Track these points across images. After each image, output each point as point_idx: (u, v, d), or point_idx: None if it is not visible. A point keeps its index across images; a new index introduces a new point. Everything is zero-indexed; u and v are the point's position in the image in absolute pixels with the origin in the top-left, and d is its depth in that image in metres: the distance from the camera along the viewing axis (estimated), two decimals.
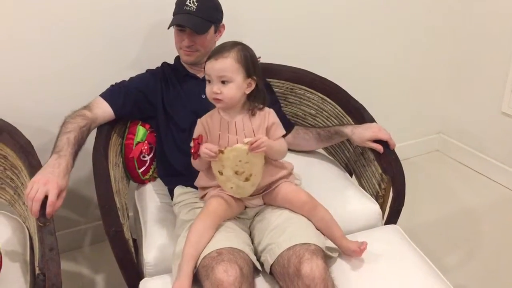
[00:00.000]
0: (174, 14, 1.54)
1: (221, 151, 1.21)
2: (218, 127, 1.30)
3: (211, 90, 1.26)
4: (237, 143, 1.24)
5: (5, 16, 1.64)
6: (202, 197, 1.40)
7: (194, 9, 1.49)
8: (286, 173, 1.38)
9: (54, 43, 1.73)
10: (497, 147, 2.45)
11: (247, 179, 1.26)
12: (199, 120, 1.34)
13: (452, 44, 2.50)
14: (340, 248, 1.32)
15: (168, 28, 1.53)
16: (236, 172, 1.24)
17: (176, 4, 1.55)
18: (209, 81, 1.27)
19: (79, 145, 1.41)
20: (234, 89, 1.25)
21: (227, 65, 1.24)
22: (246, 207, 1.38)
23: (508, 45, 2.26)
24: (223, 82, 1.25)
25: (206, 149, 1.22)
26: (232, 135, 1.29)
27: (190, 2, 1.50)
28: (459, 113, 2.62)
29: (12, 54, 1.69)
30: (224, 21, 1.62)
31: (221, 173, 1.25)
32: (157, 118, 1.60)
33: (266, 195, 1.36)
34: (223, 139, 1.29)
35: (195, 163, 1.34)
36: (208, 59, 1.26)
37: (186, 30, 1.51)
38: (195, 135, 1.32)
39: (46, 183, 1.22)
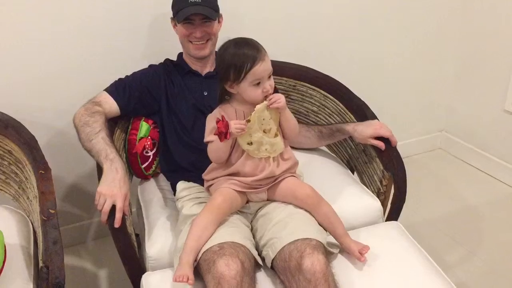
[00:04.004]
0: (180, 8, 1.52)
1: (248, 120, 1.26)
2: (234, 118, 1.31)
3: (262, 90, 1.25)
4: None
5: (10, 15, 1.65)
6: (208, 188, 1.40)
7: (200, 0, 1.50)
8: (292, 164, 1.39)
9: (58, 41, 1.74)
10: (500, 145, 2.44)
11: (276, 135, 1.31)
12: (211, 115, 1.34)
13: (455, 42, 2.50)
14: (341, 246, 1.33)
15: (180, 22, 1.52)
16: (264, 131, 1.29)
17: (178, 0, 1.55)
18: (258, 83, 1.25)
19: (112, 140, 1.45)
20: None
21: (269, 58, 1.26)
22: (249, 201, 1.39)
23: None
24: (269, 76, 1.27)
25: (236, 124, 1.23)
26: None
27: None
28: (462, 111, 2.62)
29: (17, 51, 1.71)
30: (226, 18, 1.63)
31: (250, 144, 1.29)
32: (160, 113, 1.60)
33: (271, 188, 1.37)
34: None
35: (218, 151, 1.30)
36: (252, 65, 1.22)
37: (195, 21, 1.51)
38: (210, 129, 1.31)
39: (112, 195, 1.29)
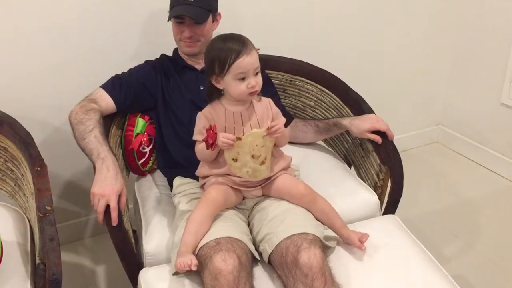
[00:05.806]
0: (172, 6, 1.53)
1: (239, 138, 1.23)
2: (224, 118, 1.29)
3: (247, 86, 1.23)
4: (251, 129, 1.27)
5: (4, 11, 1.64)
6: (202, 186, 1.40)
7: None
8: (285, 164, 1.39)
9: (54, 35, 1.73)
10: (496, 138, 2.45)
11: (263, 163, 1.28)
12: (201, 113, 1.32)
13: (451, 35, 2.49)
14: (341, 238, 1.33)
15: (168, 21, 1.54)
16: (252, 156, 1.26)
17: None
18: (243, 78, 1.23)
19: (106, 136, 1.44)
20: (261, 76, 1.27)
21: (256, 55, 1.24)
22: (244, 198, 1.39)
23: (508, 37, 2.26)
24: (256, 73, 1.25)
25: (224, 138, 1.22)
26: (239, 126, 1.29)
27: None
28: (459, 104, 2.62)
29: (12, 46, 1.70)
30: (222, 13, 1.63)
31: (235, 160, 1.26)
32: (157, 109, 1.60)
33: (265, 186, 1.36)
34: (237, 131, 1.28)
35: (204, 153, 1.30)
36: (236, 57, 1.21)
37: (186, 21, 1.51)
38: (199, 128, 1.31)
39: (105, 195, 1.28)
